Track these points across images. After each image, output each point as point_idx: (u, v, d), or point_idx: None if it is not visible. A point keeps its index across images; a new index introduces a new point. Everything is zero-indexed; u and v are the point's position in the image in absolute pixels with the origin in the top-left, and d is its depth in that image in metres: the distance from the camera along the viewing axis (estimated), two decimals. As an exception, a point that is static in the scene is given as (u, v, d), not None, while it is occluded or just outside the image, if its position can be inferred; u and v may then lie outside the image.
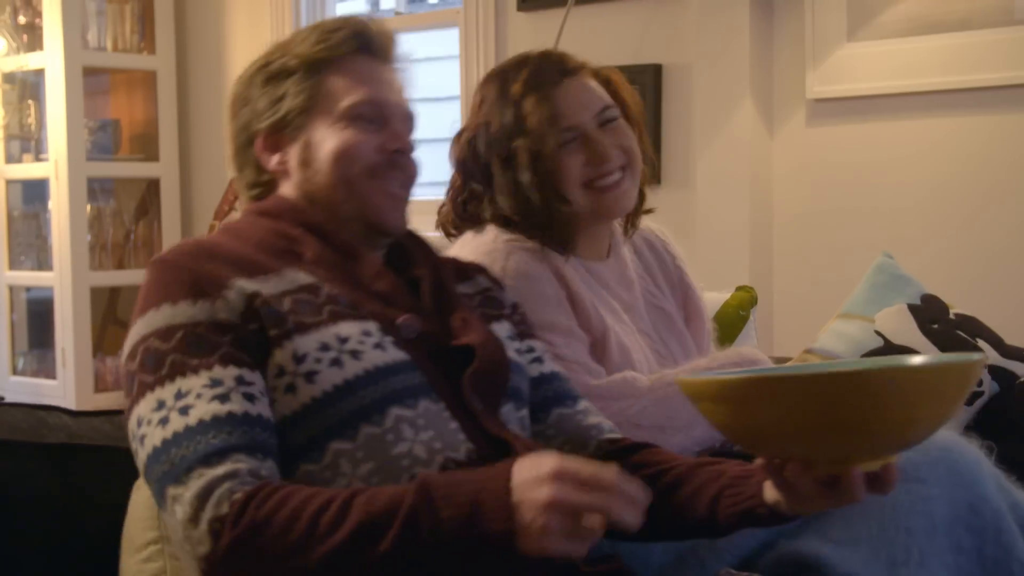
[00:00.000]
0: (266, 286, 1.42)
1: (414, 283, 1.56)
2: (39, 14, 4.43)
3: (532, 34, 3.59)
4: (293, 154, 1.57)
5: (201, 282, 1.40)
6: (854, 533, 1.50)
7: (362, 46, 1.59)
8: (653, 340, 1.90)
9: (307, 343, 1.39)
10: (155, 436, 1.32)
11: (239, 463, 1.29)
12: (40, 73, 4.46)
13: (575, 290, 1.80)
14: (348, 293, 1.47)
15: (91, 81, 4.49)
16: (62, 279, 4.38)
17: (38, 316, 4.66)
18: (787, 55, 3.18)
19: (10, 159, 4.60)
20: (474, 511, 1.18)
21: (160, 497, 1.31)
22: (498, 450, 1.41)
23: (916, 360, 1.36)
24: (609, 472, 1.16)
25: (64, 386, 4.38)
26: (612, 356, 1.79)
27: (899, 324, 2.35)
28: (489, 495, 1.18)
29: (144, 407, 1.35)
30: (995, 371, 2.31)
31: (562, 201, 1.82)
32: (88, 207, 4.44)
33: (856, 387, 1.15)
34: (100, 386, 4.41)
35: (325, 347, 1.39)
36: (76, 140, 4.35)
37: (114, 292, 4.63)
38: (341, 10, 4.39)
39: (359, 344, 1.41)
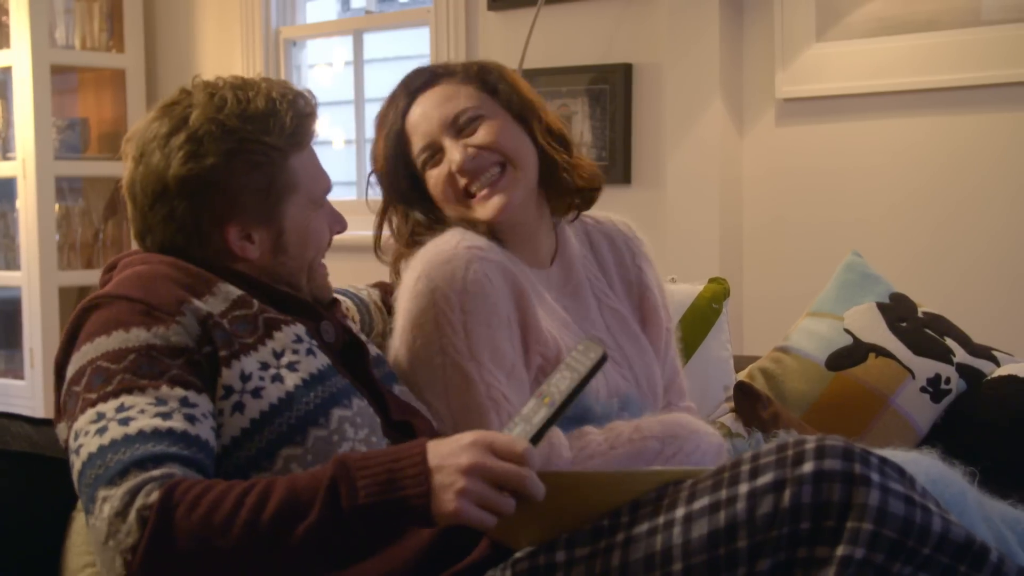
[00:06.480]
0: (212, 305, 1.47)
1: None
2: (6, 11, 4.39)
3: (502, 33, 3.59)
4: (265, 241, 1.57)
5: (155, 309, 1.43)
6: None
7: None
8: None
9: (251, 363, 1.45)
10: (92, 444, 1.33)
11: (173, 470, 1.31)
12: (7, 71, 4.42)
13: (532, 311, 1.71)
14: (272, 303, 1.53)
15: (59, 79, 4.46)
16: (30, 279, 4.35)
17: (6, 316, 4.62)
18: (756, 55, 3.19)
19: (-23, 158, 4.56)
20: (391, 476, 1.25)
21: (90, 501, 1.31)
22: (405, 436, 1.54)
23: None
24: (522, 444, 1.24)
25: (32, 386, 4.34)
26: None
27: (868, 322, 2.36)
28: (406, 462, 1.26)
29: (82, 421, 1.37)
30: (962, 369, 2.32)
31: (441, 218, 1.77)
32: (56, 206, 4.41)
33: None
34: (69, 386, 4.36)
35: (265, 366, 1.46)
36: (44, 139, 4.31)
37: (83, 292, 4.59)
38: (311, 11, 4.36)
39: (293, 355, 1.48)
